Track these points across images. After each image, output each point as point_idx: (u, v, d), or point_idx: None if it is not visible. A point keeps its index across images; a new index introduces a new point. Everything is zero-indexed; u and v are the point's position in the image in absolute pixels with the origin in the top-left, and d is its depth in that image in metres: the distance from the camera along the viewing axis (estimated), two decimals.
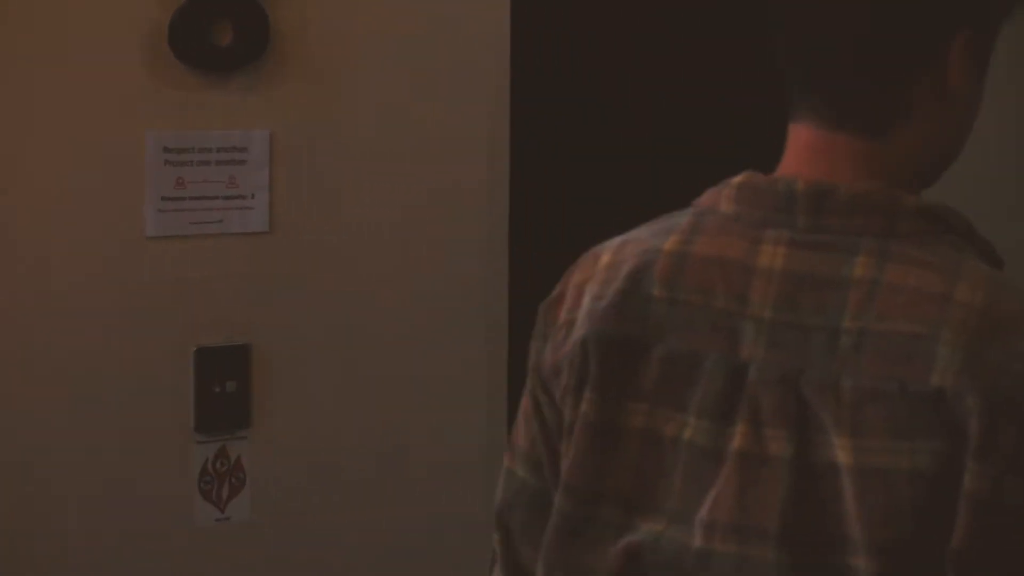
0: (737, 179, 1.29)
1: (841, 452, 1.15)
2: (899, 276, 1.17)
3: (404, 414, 2.79)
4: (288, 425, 2.71)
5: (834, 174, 1.25)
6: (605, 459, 1.27)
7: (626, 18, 3.04)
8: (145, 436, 2.60)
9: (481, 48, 2.82)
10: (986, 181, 3.10)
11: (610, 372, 1.27)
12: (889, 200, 1.22)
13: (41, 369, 2.52)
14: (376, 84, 2.73)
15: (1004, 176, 3.31)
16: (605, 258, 1.33)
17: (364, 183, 2.73)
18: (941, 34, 1.24)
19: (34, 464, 2.53)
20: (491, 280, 2.86)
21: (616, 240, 1.35)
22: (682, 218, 1.31)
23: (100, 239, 2.54)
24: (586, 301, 1.31)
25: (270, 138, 2.64)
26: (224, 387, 2.62)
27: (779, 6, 1.28)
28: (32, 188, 2.49)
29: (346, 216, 2.72)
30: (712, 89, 3.07)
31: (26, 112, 2.48)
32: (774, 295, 1.22)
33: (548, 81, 2.98)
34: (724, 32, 3.05)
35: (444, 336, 2.82)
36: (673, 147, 3.08)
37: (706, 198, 1.31)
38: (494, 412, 2.85)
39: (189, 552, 2.64)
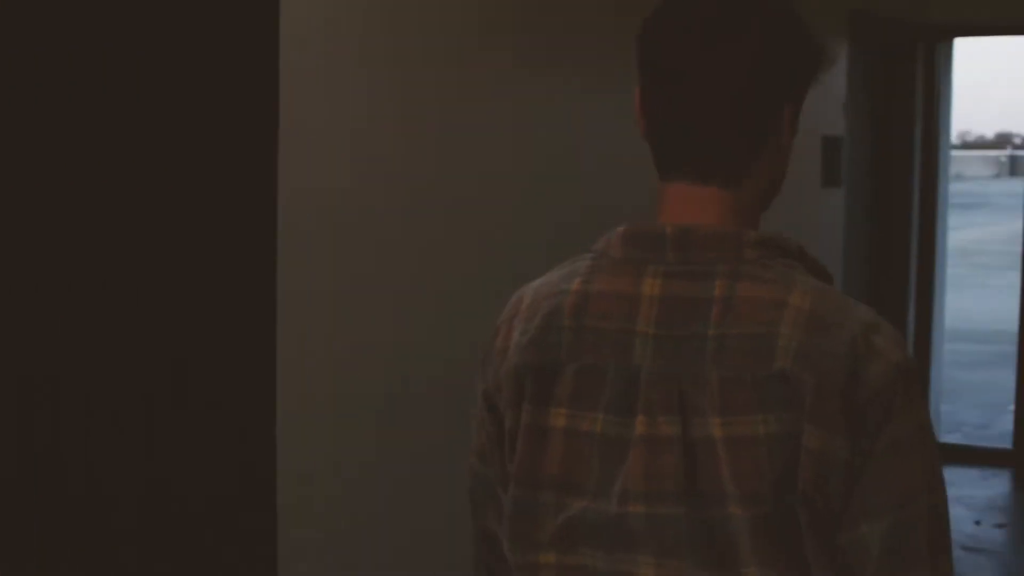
0: (621, 229, 1.70)
1: (715, 428, 1.57)
2: (746, 291, 1.60)
3: None
4: None
5: (702, 217, 1.67)
6: (540, 455, 1.66)
7: None
8: None
9: None
10: None
11: (538, 388, 1.67)
12: (735, 236, 1.64)
13: None
14: None
15: None
16: (527, 300, 1.74)
17: None
18: (783, 104, 1.69)
19: None
20: None
21: (534, 284, 1.76)
22: (582, 263, 1.72)
23: None
24: (515, 335, 1.71)
25: None
26: None
27: (665, 80, 1.68)
28: None
29: None
30: None
31: None
32: (655, 316, 1.63)
33: None
34: None
35: None
36: None
37: (599, 244, 1.72)
38: None
39: None
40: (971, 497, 7.39)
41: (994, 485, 7.81)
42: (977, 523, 7.01)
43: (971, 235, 25.51)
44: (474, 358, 1.80)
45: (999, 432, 8.91)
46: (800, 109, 1.73)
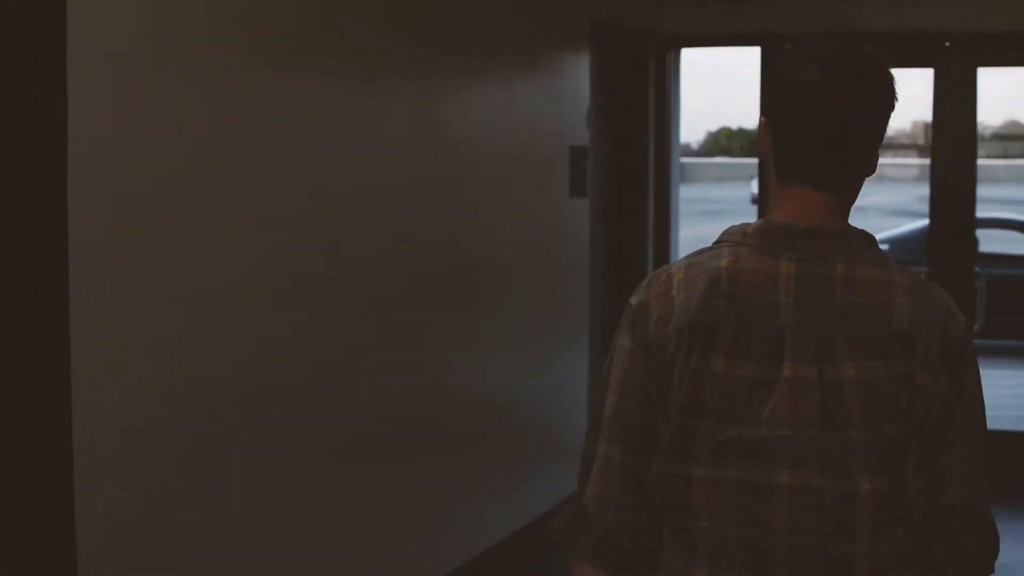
0: (759, 224, 2.25)
1: (847, 371, 2.12)
2: (863, 272, 2.17)
3: None
4: None
5: (815, 216, 2.21)
6: (704, 392, 2.16)
7: None
8: None
9: None
10: None
11: (703, 341, 2.16)
12: (845, 231, 2.22)
13: None
14: None
15: None
16: (679, 275, 2.23)
17: None
18: (880, 140, 2.26)
19: None
20: None
21: (680, 263, 2.27)
22: (723, 248, 2.24)
23: None
24: (678, 300, 2.21)
25: None
26: None
27: (803, 111, 2.20)
28: None
29: None
30: None
31: None
32: (793, 289, 2.17)
33: None
34: None
35: None
36: None
37: (730, 237, 2.26)
38: None
39: None
40: None
41: None
42: None
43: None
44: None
45: None
46: None
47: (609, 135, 7.88)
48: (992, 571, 2.25)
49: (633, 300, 2.28)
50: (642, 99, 8.24)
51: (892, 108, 2.23)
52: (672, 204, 8.57)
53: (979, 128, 8.56)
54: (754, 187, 26.20)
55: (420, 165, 5.40)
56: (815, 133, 2.20)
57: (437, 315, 5.52)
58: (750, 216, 3.40)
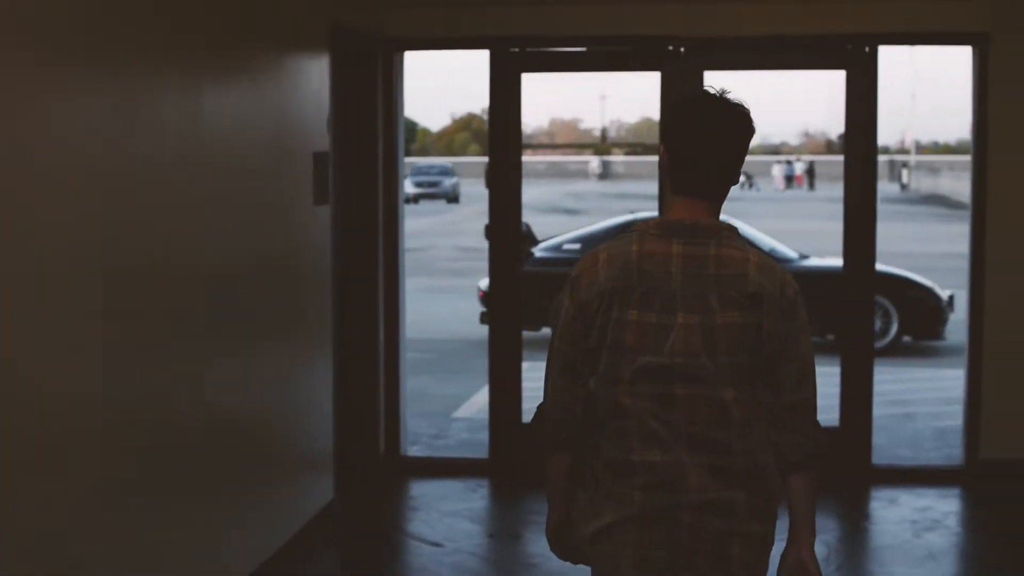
0: (656, 220, 3.32)
1: (718, 319, 3.21)
2: (727, 253, 3.24)
3: None
4: None
5: (696, 215, 3.29)
6: (624, 334, 3.24)
7: None
8: None
9: None
10: None
11: (622, 299, 3.24)
12: (716, 226, 3.29)
13: None
14: None
15: None
16: (603, 255, 3.30)
17: None
18: (742, 163, 3.38)
19: None
20: None
21: (604, 247, 3.32)
22: (631, 236, 3.31)
23: None
24: (602, 272, 3.28)
25: None
26: None
27: (688, 146, 3.32)
28: None
29: None
30: None
31: None
32: (681, 264, 3.23)
33: None
34: None
35: None
36: None
37: (638, 228, 3.33)
38: None
39: None
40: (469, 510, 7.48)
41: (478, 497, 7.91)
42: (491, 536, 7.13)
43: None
44: None
45: (455, 442, 9.00)
46: None
47: (344, 139, 7.72)
48: (814, 458, 3.34)
49: (573, 273, 3.36)
50: (371, 103, 8.12)
51: (751, 138, 3.36)
52: (399, 208, 8.47)
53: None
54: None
55: (166, 170, 5.16)
56: (701, 162, 3.32)
57: (178, 328, 5.23)
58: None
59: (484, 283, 14.88)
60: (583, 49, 8.40)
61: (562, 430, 3.36)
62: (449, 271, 22.89)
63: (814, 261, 14.01)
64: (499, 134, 8.30)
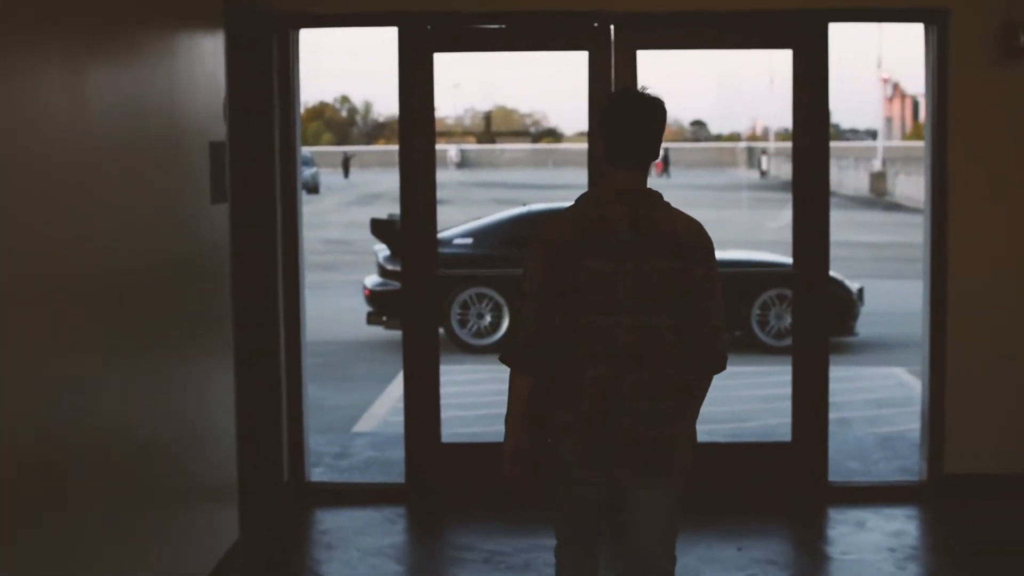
0: (607, 189, 4.43)
1: (656, 264, 4.32)
2: (659, 214, 4.39)
3: None
4: None
5: (634, 184, 4.44)
6: (583, 277, 4.31)
7: None
8: None
9: None
10: None
11: (581, 250, 4.32)
12: (649, 192, 4.45)
13: None
14: None
15: None
16: (568, 216, 4.40)
17: None
18: (661, 141, 4.57)
19: None
20: None
21: (568, 211, 4.43)
22: (589, 203, 4.42)
23: None
24: (568, 229, 4.36)
25: None
26: None
27: (623, 130, 4.43)
28: None
29: None
30: None
31: None
32: (627, 222, 4.36)
33: None
34: None
35: None
36: None
37: (592, 195, 4.49)
38: None
39: None
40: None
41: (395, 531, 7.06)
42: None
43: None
44: None
45: (361, 461, 8.15)
46: None
47: (238, 126, 6.82)
48: (716, 371, 4.40)
49: (542, 231, 4.36)
50: (266, 86, 7.25)
51: (665, 121, 4.45)
52: (298, 201, 7.65)
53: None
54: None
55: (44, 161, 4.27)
56: (632, 140, 4.37)
57: (59, 340, 4.37)
58: None
59: (369, 280, 14.07)
60: (501, 26, 7.58)
61: (532, 356, 4.31)
62: (319, 265, 21.80)
63: (731, 254, 13.46)
64: (410, 121, 7.46)
